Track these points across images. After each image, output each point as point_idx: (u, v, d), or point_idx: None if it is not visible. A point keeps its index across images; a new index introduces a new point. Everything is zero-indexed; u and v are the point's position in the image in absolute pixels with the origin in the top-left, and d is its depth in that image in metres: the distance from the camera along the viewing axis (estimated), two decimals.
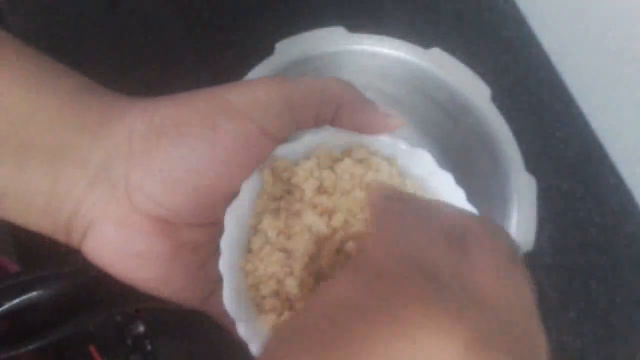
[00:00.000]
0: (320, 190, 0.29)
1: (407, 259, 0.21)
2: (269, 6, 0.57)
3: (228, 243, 0.27)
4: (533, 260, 0.40)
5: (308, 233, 0.28)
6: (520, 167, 0.43)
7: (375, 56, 0.48)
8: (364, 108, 0.29)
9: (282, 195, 0.29)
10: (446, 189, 0.30)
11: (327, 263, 0.28)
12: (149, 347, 0.41)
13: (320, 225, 0.28)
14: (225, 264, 0.27)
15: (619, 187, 0.54)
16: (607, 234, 0.53)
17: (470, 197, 0.33)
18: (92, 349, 0.42)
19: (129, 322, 0.41)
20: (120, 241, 0.28)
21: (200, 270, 0.29)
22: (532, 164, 0.43)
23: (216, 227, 0.28)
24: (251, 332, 0.27)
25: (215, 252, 0.28)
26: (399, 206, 0.26)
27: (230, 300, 0.27)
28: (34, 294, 0.35)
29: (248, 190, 0.28)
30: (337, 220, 0.28)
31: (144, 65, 0.53)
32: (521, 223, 0.42)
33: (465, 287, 0.21)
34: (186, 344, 0.43)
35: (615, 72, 0.55)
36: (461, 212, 0.26)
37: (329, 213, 0.28)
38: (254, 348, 0.27)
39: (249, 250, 0.29)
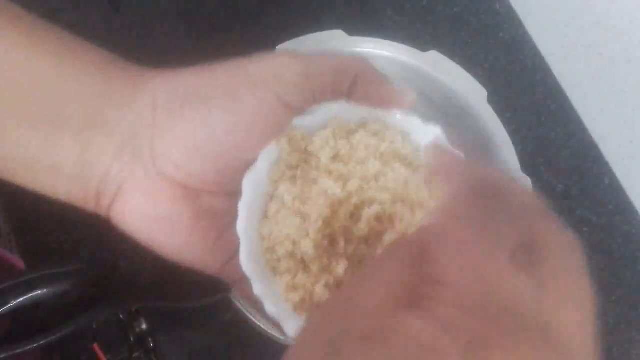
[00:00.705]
0: (336, 158, 0.29)
1: (491, 299, 0.19)
2: (270, 9, 0.57)
3: (245, 207, 0.28)
4: None
5: (323, 197, 0.28)
6: (516, 167, 0.43)
7: (374, 59, 0.48)
8: (380, 82, 0.30)
9: (298, 164, 0.30)
10: None
11: (341, 227, 0.28)
12: (151, 345, 0.41)
13: (335, 189, 0.28)
14: (242, 227, 0.28)
15: (614, 187, 0.55)
16: (602, 233, 0.53)
17: None
18: (96, 346, 0.42)
19: (132, 320, 0.41)
20: (146, 206, 0.29)
21: (220, 237, 0.30)
22: (528, 164, 0.43)
23: (236, 196, 0.29)
24: (266, 291, 0.28)
25: (234, 220, 0.29)
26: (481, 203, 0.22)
27: (247, 261, 0.28)
28: (38, 292, 0.36)
29: (266, 158, 0.29)
30: (352, 185, 0.29)
31: (145, 65, 0.53)
32: None
33: (545, 328, 0.19)
34: (189, 341, 0.44)
35: (610, 74, 0.55)
36: (526, 202, 0.23)
37: (343, 179, 0.29)
38: (269, 306, 0.27)
39: (265, 216, 0.29)
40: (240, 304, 0.38)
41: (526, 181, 0.43)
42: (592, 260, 0.56)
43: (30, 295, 0.36)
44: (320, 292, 0.28)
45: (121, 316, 0.41)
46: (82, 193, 0.29)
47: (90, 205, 0.29)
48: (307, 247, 0.28)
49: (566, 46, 0.58)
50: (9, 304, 0.35)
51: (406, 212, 0.28)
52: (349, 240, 0.28)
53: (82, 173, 0.28)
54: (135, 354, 0.42)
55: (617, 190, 0.55)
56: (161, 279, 0.38)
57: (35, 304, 0.36)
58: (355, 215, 0.29)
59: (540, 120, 0.57)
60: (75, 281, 0.37)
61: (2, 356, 0.34)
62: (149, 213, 0.29)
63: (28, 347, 0.34)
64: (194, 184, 0.29)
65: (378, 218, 0.28)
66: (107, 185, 0.28)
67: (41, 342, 0.35)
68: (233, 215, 0.29)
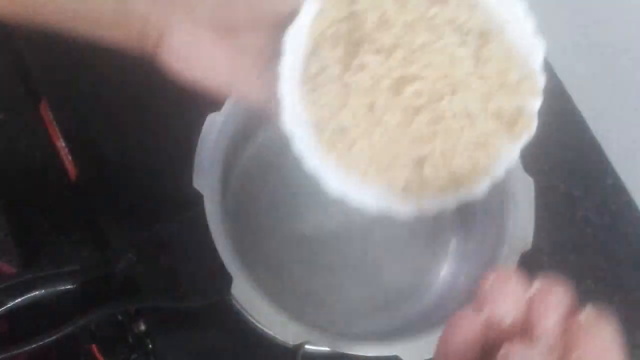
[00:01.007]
0: (382, 20, 0.29)
1: None
2: None
3: (287, 66, 0.29)
4: (530, 260, 0.41)
5: (364, 68, 0.28)
6: (518, 168, 0.43)
7: None
8: None
9: (342, 19, 0.29)
10: (515, 19, 0.30)
11: (382, 98, 0.28)
12: (150, 346, 0.41)
13: (377, 61, 0.28)
14: (284, 87, 0.28)
15: (617, 187, 0.55)
16: (605, 234, 0.53)
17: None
18: (94, 348, 0.42)
19: (131, 321, 0.41)
20: (187, 49, 0.29)
21: (264, 72, 0.30)
22: (531, 165, 0.43)
23: (277, 30, 0.29)
24: (306, 150, 0.29)
25: (277, 55, 0.29)
26: None
27: (288, 119, 0.28)
28: (36, 293, 0.36)
29: (308, 10, 0.29)
30: (396, 57, 0.28)
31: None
32: (519, 223, 0.42)
33: None
34: (187, 342, 0.43)
35: (613, 74, 0.55)
36: None
37: (388, 49, 0.28)
38: (308, 164, 0.28)
39: (306, 74, 0.29)
40: (240, 305, 0.37)
41: (529, 181, 0.43)
42: (593, 262, 0.56)
43: (28, 296, 0.35)
44: (357, 156, 0.29)
45: (120, 317, 0.41)
46: (124, 39, 0.30)
47: (134, 50, 0.30)
48: (346, 115, 0.28)
49: (568, 46, 0.58)
50: (6, 304, 0.35)
51: (447, 92, 0.28)
52: (388, 109, 0.28)
53: (121, 21, 0.29)
54: (134, 355, 0.42)
55: (620, 191, 0.55)
56: (161, 280, 0.38)
57: (33, 305, 0.36)
58: (395, 88, 0.28)
59: (543, 120, 0.57)
60: (73, 282, 0.36)
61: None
62: (190, 55, 0.30)
63: (26, 348, 0.34)
64: (231, 22, 0.29)
65: (418, 93, 0.28)
66: (148, 32, 0.29)
67: (39, 343, 0.34)
68: (274, 50, 0.29)
